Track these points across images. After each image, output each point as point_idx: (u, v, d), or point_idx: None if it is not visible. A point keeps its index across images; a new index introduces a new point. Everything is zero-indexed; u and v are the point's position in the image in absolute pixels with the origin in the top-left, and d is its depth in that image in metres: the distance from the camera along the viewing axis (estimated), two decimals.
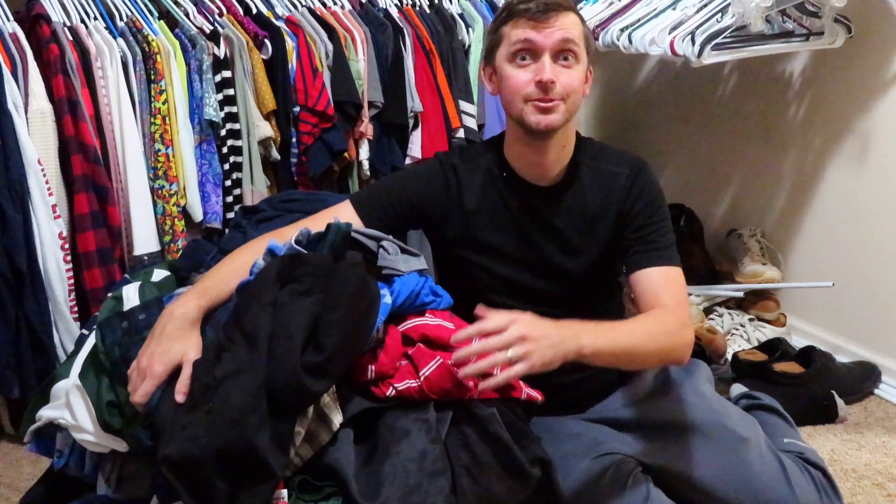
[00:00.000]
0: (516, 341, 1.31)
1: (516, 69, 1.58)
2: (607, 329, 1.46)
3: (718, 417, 1.66)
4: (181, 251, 2.15)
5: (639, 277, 1.63)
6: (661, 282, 1.62)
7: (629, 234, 1.67)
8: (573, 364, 1.39)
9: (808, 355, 2.34)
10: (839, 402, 2.21)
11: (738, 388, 2.17)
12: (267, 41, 2.32)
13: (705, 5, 2.25)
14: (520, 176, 1.69)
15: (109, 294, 1.60)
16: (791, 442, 1.79)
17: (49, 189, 2.02)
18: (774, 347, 2.40)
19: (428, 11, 2.63)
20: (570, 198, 1.69)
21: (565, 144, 1.67)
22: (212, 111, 2.22)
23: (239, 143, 2.29)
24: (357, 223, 1.64)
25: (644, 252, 1.64)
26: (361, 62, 2.43)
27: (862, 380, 2.35)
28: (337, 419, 1.36)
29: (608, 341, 1.45)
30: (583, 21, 1.62)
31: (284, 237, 1.52)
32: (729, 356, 2.44)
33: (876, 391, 2.36)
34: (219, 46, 2.24)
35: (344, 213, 1.66)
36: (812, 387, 2.25)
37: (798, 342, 2.57)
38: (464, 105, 2.59)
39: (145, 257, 2.17)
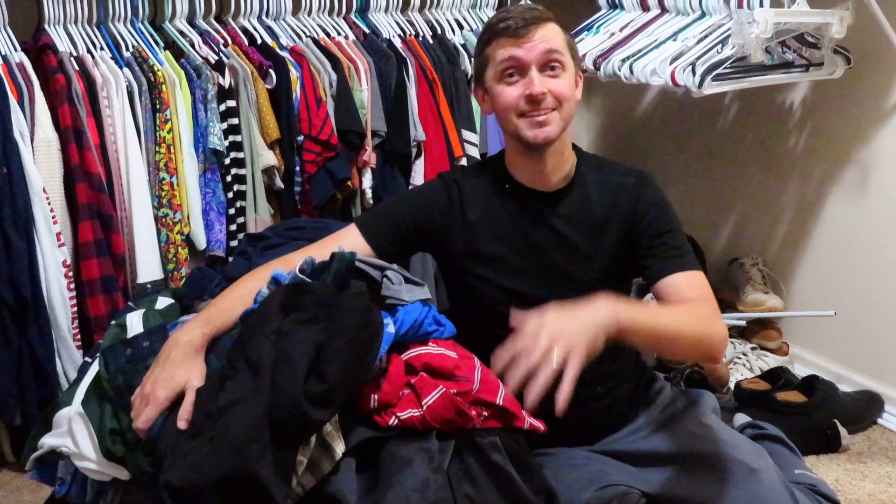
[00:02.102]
0: (553, 344, 1.24)
1: (506, 87, 1.61)
2: (642, 306, 1.45)
3: (727, 448, 1.64)
4: (185, 279, 2.16)
5: (663, 286, 1.60)
6: (686, 285, 1.59)
7: (646, 243, 1.65)
8: (588, 395, 1.39)
9: (811, 384, 2.33)
10: (842, 431, 2.21)
11: (742, 418, 2.16)
12: (271, 71, 2.34)
13: (706, 36, 2.28)
14: (523, 184, 1.70)
15: (113, 322, 1.60)
16: (802, 473, 1.77)
17: (53, 217, 2.03)
18: (777, 376, 2.39)
19: (431, 42, 2.66)
20: (575, 202, 1.69)
21: (563, 152, 1.68)
22: (216, 140, 2.23)
23: (243, 171, 2.30)
24: (363, 246, 1.65)
25: (665, 260, 1.62)
26: (365, 92, 2.45)
27: (865, 409, 2.35)
28: (339, 448, 1.36)
29: (644, 316, 1.44)
30: (563, 29, 1.64)
31: (290, 264, 1.53)
32: (731, 385, 2.44)
33: (879, 421, 2.35)
34: (224, 76, 2.26)
35: (350, 236, 1.67)
36: (815, 416, 2.24)
37: (801, 371, 2.56)
38: (466, 134, 2.61)
39: (149, 285, 2.17)
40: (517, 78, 1.59)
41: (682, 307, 1.56)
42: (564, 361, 1.23)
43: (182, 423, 1.31)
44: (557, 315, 1.28)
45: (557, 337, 1.25)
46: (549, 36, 1.59)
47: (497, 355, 1.27)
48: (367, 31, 2.62)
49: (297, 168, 2.39)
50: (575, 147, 1.73)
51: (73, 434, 1.41)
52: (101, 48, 2.24)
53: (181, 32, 2.36)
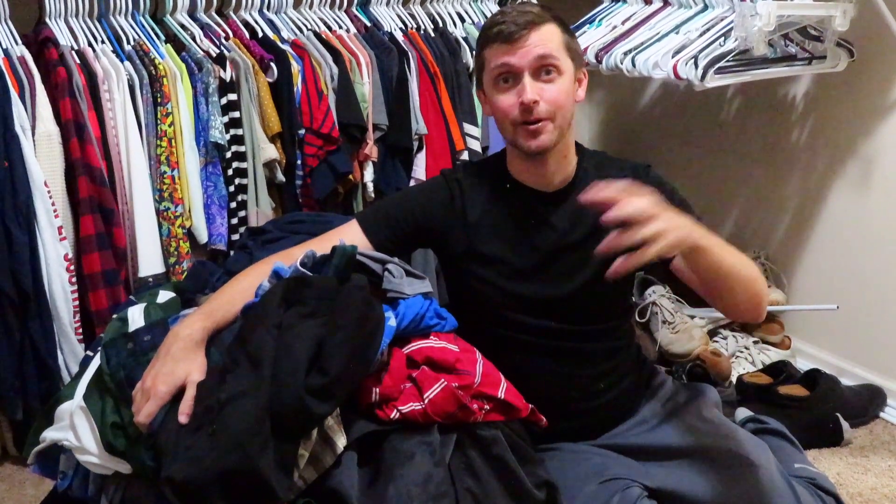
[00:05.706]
0: (661, 233, 1.30)
1: (500, 94, 1.59)
2: (714, 236, 1.44)
3: (728, 442, 1.64)
4: (186, 273, 2.16)
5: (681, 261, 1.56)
6: None
7: None
8: (589, 391, 1.38)
9: (814, 378, 2.33)
10: (844, 425, 2.20)
11: (743, 413, 2.16)
12: (273, 64, 2.34)
13: (708, 29, 2.27)
14: (524, 184, 1.69)
15: (114, 315, 1.60)
16: (802, 467, 1.77)
17: (55, 211, 2.03)
18: (779, 370, 2.39)
19: (433, 35, 2.65)
20: (576, 201, 1.68)
21: (565, 154, 1.67)
22: (217, 134, 2.23)
23: (244, 165, 2.30)
24: (364, 242, 1.64)
25: None
26: (366, 85, 2.45)
27: (867, 403, 2.34)
28: (341, 442, 1.36)
29: (715, 245, 1.44)
30: (563, 28, 1.60)
31: (291, 258, 1.53)
32: (733, 379, 2.43)
33: (881, 414, 2.35)
34: (225, 70, 2.25)
35: (350, 232, 1.66)
36: (817, 410, 2.24)
37: (803, 365, 2.56)
38: (468, 127, 2.60)
39: (150, 279, 2.17)
40: (511, 84, 1.57)
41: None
42: (653, 241, 1.29)
43: (183, 418, 1.31)
44: (668, 215, 1.33)
45: (669, 230, 1.31)
46: (543, 40, 1.55)
47: (598, 188, 1.33)
48: (369, 24, 2.62)
49: (299, 162, 2.38)
50: (577, 145, 1.73)
51: (74, 428, 1.41)
52: (102, 41, 2.23)
53: (182, 26, 2.36)
